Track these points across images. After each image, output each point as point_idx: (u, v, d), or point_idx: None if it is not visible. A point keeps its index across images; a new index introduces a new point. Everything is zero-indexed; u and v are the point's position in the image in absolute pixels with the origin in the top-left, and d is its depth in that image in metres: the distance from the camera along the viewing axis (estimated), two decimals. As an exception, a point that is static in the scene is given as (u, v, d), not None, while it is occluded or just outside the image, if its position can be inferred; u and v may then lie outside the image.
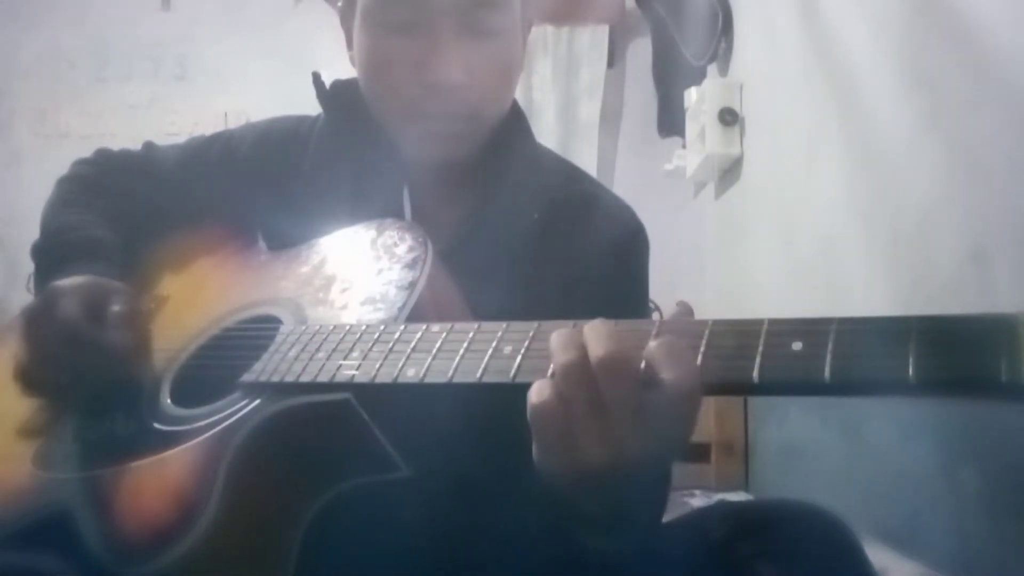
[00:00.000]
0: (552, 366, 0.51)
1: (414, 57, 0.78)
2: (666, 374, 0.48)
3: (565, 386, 0.50)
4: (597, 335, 0.51)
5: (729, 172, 2.69)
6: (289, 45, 3.19)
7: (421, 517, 0.65)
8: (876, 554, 0.89)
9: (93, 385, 0.73)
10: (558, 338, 0.52)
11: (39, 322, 0.74)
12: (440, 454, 0.60)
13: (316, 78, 0.90)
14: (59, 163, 0.99)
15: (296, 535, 0.60)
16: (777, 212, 2.28)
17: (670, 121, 3.13)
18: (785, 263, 2.21)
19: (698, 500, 2.28)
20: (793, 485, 2.07)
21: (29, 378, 0.75)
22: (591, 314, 0.54)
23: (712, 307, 2.85)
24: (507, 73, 0.83)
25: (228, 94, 3.30)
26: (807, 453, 1.99)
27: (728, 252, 2.74)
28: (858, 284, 1.76)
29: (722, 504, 1.82)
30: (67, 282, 0.76)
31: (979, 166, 1.33)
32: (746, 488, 2.45)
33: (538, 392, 0.51)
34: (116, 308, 0.76)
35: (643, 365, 0.49)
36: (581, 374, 0.50)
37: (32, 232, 0.90)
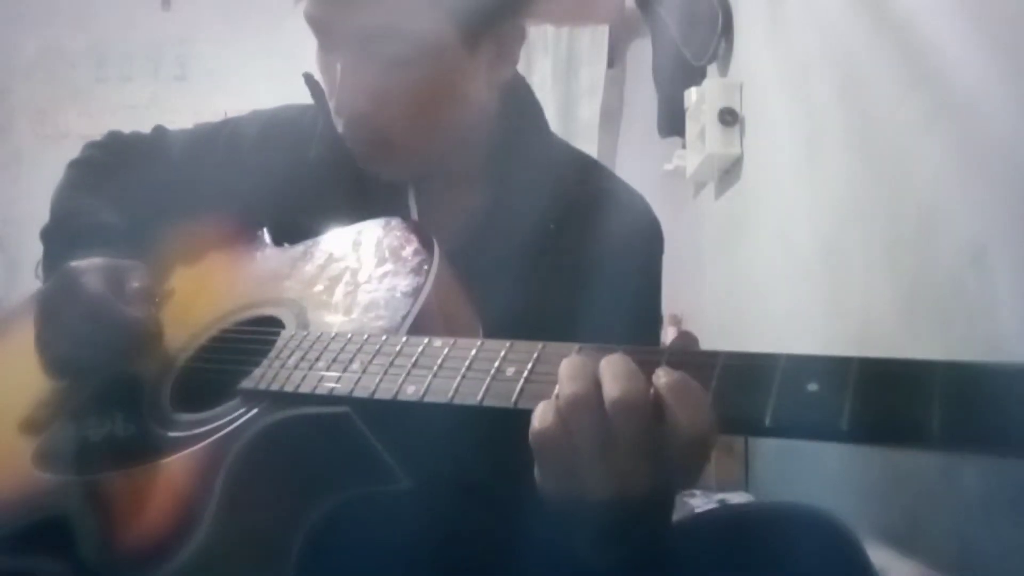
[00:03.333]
0: (556, 389, 0.50)
1: (329, 80, 0.80)
2: (680, 416, 0.46)
3: (571, 417, 0.48)
4: (613, 372, 0.48)
5: (729, 172, 2.69)
6: (289, 45, 3.17)
7: (420, 528, 0.64)
8: (876, 554, 0.89)
9: (118, 363, 0.73)
10: (568, 368, 0.50)
11: (61, 301, 0.74)
12: (440, 467, 0.59)
13: (308, 78, 0.89)
14: (59, 163, 0.99)
15: (294, 545, 0.60)
16: (777, 212, 2.27)
17: (670, 121, 3.13)
18: (785, 263, 2.21)
19: (698, 500, 2.28)
20: (793, 485, 2.07)
21: (54, 359, 0.74)
22: (603, 312, 0.53)
23: (712, 308, 2.85)
24: (422, 102, 0.79)
25: (228, 94, 3.29)
26: (807, 453, 1.99)
27: (728, 252, 2.74)
28: (858, 284, 1.76)
29: (723, 507, 1.82)
30: (84, 262, 0.76)
31: (979, 166, 1.33)
32: (746, 488, 2.45)
33: (541, 418, 0.49)
34: (137, 284, 0.76)
35: (652, 394, 0.47)
36: (591, 408, 0.48)
37: (32, 231, 0.90)
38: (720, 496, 2.33)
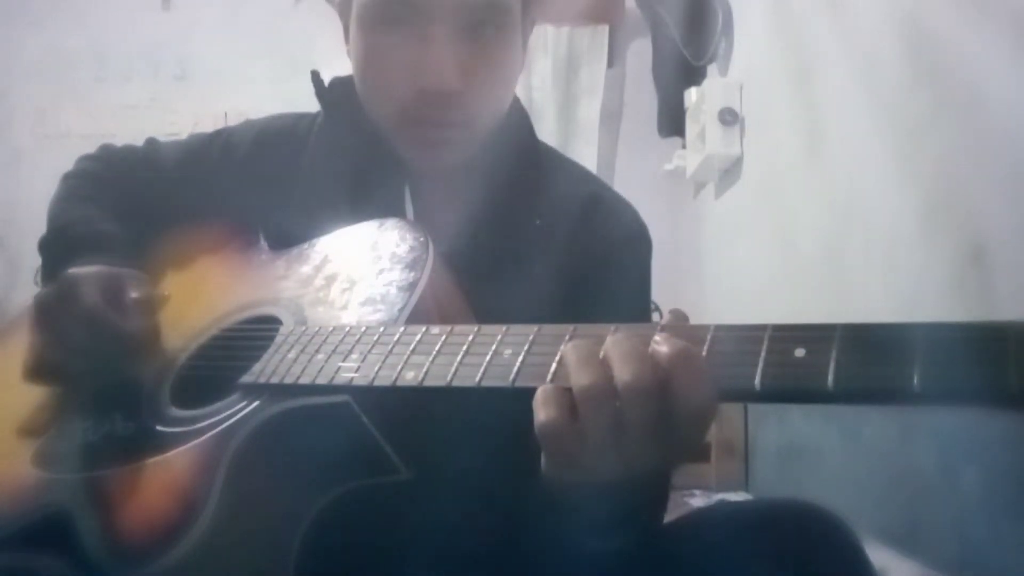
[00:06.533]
0: (553, 368, 0.50)
1: (409, 61, 0.76)
2: (684, 387, 0.47)
3: (584, 408, 0.48)
4: (622, 354, 0.48)
5: (729, 172, 2.69)
6: (289, 45, 3.19)
7: (421, 519, 0.65)
8: (876, 554, 0.89)
9: (112, 371, 0.73)
10: (576, 356, 0.49)
11: (57, 308, 0.74)
12: (440, 456, 0.60)
13: (315, 76, 0.89)
14: (59, 163, 0.99)
15: (295, 537, 0.60)
16: (777, 212, 2.28)
17: (670, 121, 3.13)
18: (785, 263, 2.21)
19: (698, 500, 2.28)
20: (793, 485, 2.07)
21: (46, 365, 0.74)
22: (594, 315, 0.53)
23: (712, 307, 2.85)
24: (505, 79, 0.81)
25: (228, 94, 3.30)
26: (807, 453, 1.99)
27: (728, 252, 2.74)
28: (858, 284, 1.76)
29: (722, 504, 1.82)
30: (82, 270, 0.76)
31: (979, 166, 1.33)
32: (746, 488, 2.45)
33: (545, 409, 0.49)
34: (134, 294, 0.76)
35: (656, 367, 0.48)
36: (604, 396, 0.48)
37: (32, 232, 0.90)
38: (720, 496, 2.33)
